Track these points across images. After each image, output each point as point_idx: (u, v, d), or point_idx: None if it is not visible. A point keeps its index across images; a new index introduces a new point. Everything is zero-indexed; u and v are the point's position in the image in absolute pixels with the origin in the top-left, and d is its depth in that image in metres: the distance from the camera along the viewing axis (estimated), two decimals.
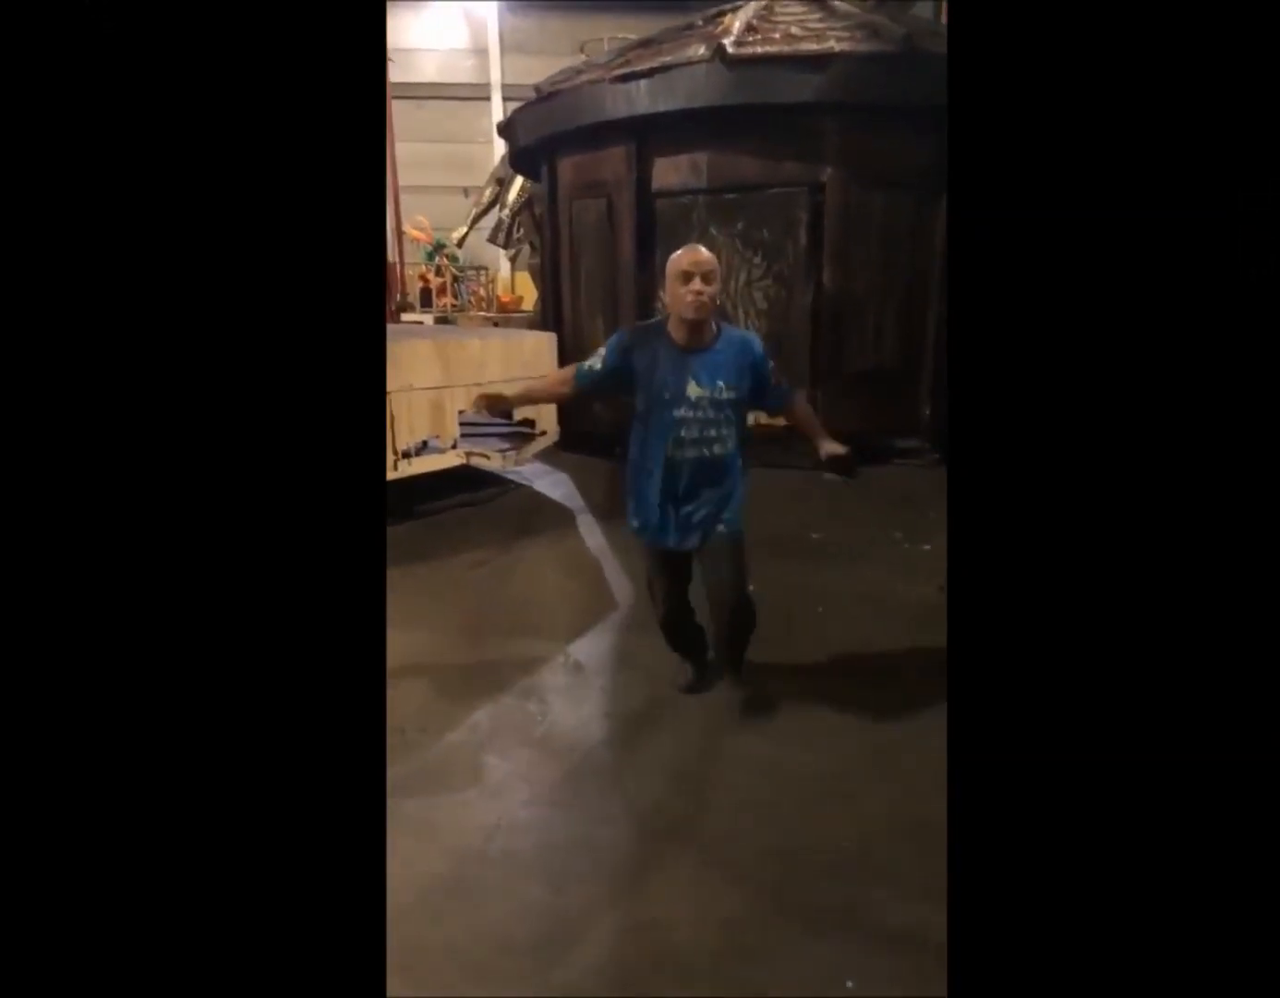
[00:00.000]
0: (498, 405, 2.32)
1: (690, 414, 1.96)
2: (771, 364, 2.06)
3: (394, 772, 1.99)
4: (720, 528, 2.07)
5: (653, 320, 2.11)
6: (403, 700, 2.34)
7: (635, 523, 2.13)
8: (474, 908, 1.56)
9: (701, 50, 4.86)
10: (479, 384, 4.08)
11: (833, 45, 4.66)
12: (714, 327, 2.00)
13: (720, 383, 1.96)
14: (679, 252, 1.97)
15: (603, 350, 2.06)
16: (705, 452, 1.99)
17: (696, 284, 1.90)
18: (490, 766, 2.06)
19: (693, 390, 1.95)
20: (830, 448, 2.11)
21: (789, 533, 3.96)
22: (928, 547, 3.65)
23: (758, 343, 2.07)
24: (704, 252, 1.95)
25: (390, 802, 1.82)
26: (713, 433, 1.98)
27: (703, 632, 2.32)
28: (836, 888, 1.59)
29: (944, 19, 7.44)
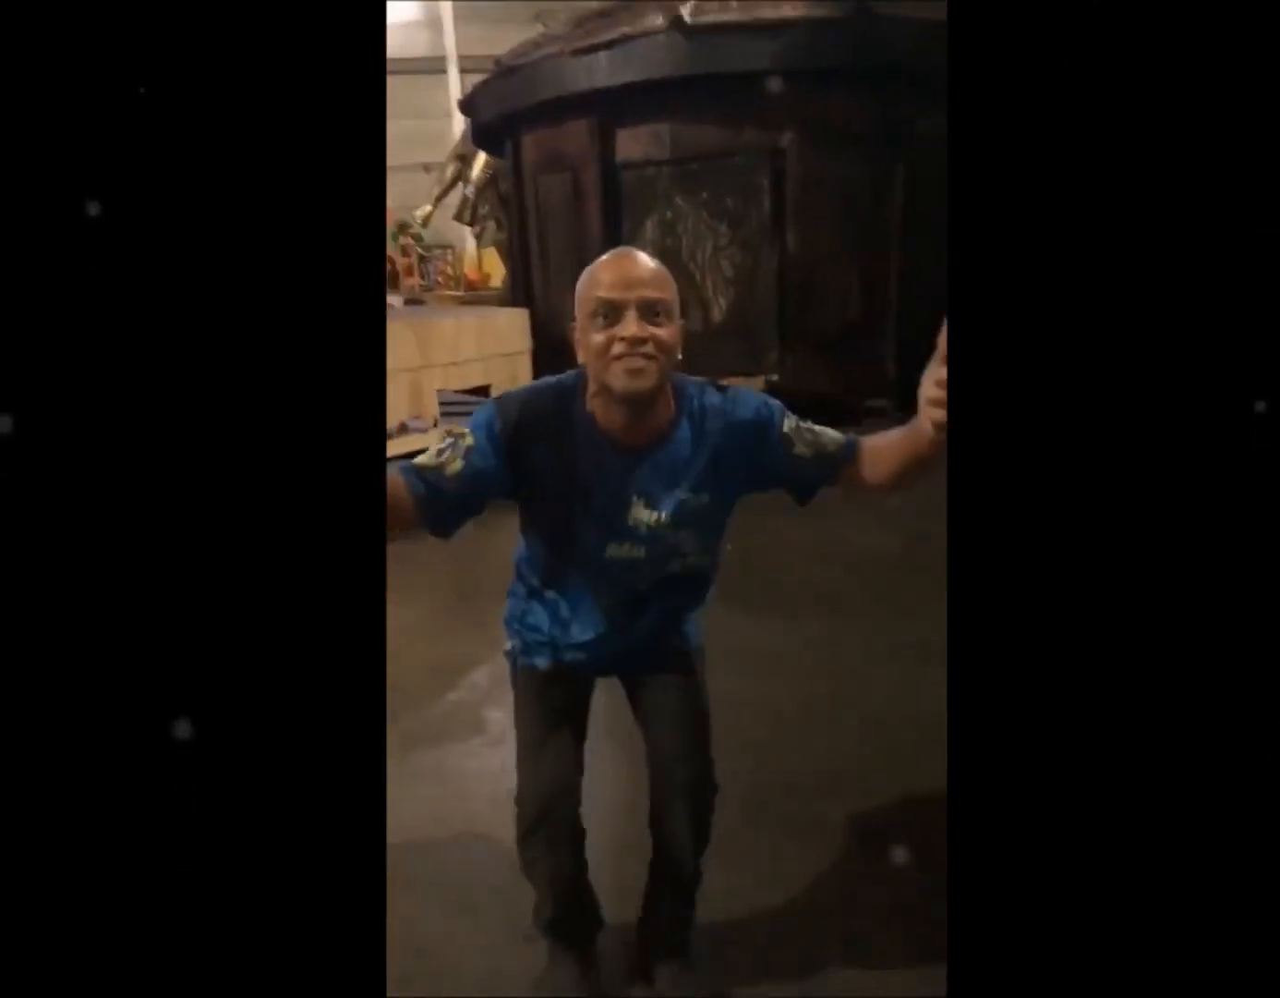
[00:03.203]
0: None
1: (635, 552, 1.11)
2: (795, 427, 1.13)
3: (402, 727, 2.14)
4: (682, 639, 1.25)
5: (558, 381, 1.12)
6: (406, 665, 2.49)
7: (531, 634, 1.22)
8: (486, 839, 1.72)
9: (659, 20, 4.90)
10: (455, 363, 4.17)
11: (788, 12, 4.72)
12: (670, 398, 1.09)
13: (685, 490, 1.09)
14: (597, 262, 1.05)
15: (467, 438, 1.06)
16: (661, 572, 1.15)
17: (631, 325, 0.98)
18: (491, 719, 2.21)
19: (639, 514, 1.09)
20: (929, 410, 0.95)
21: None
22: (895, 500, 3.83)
23: (769, 415, 1.13)
24: (643, 261, 1.03)
25: (402, 753, 1.98)
26: (676, 550, 1.13)
27: (590, 889, 1.32)
28: (821, 802, 1.77)
29: None
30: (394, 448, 4.01)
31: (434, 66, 15.07)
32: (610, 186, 5.42)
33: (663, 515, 1.08)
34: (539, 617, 1.20)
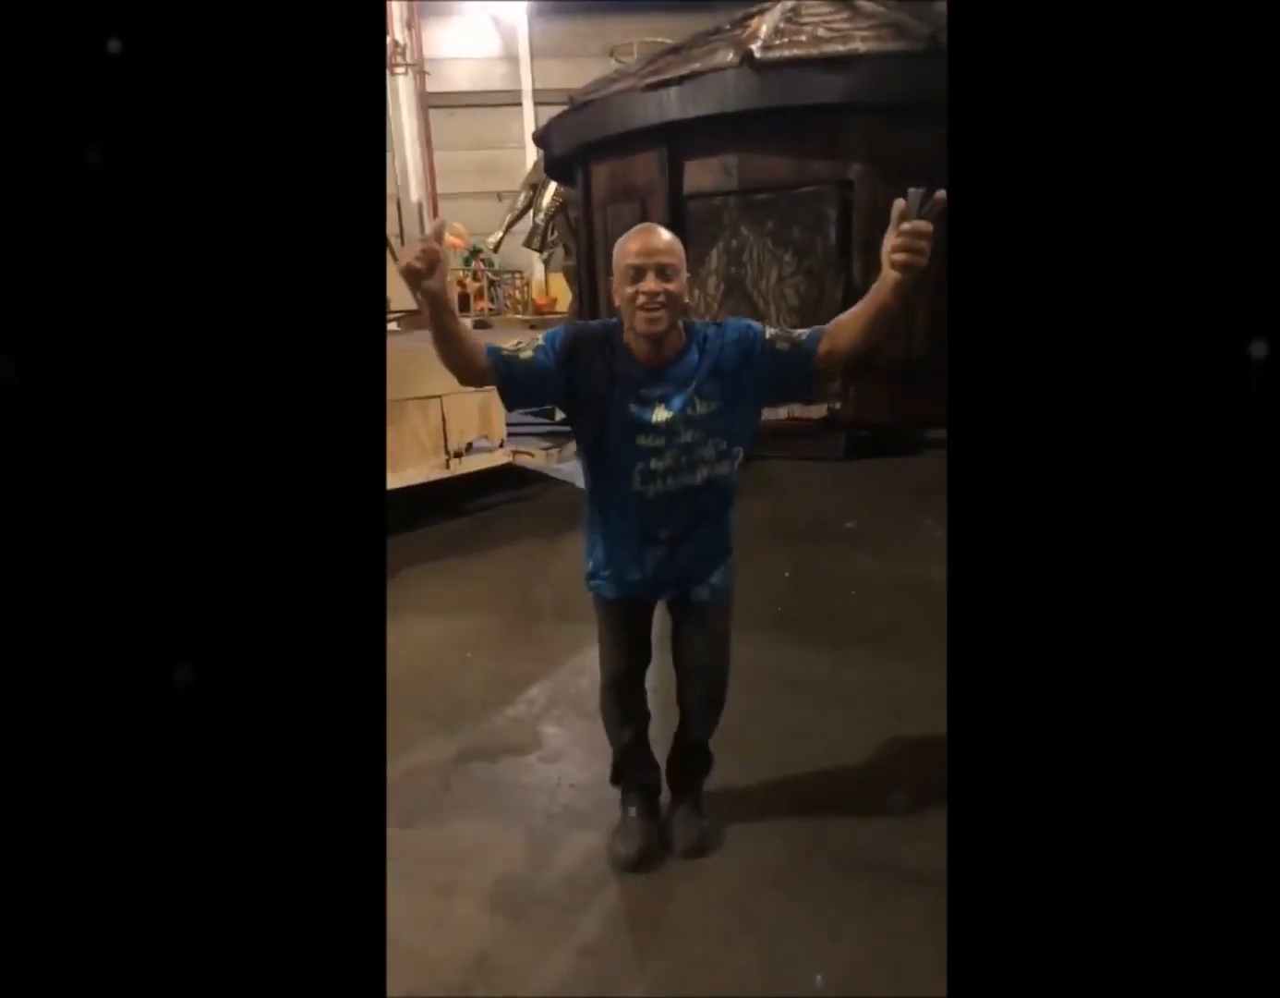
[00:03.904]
0: (430, 284, 1.26)
1: (658, 442, 1.45)
2: (775, 333, 1.48)
3: (460, 741, 2.22)
4: (713, 581, 1.58)
5: (604, 322, 1.52)
6: (467, 676, 2.57)
7: (599, 571, 1.59)
8: (541, 850, 1.77)
9: (730, 56, 5.01)
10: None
11: (858, 46, 4.77)
12: (681, 332, 1.46)
13: (695, 399, 1.44)
14: (628, 234, 1.42)
15: (539, 341, 1.46)
16: (687, 482, 1.48)
17: (650, 282, 1.35)
18: (548, 735, 2.26)
19: (658, 414, 1.44)
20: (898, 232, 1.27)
21: (823, 522, 4.11)
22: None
23: (748, 328, 1.48)
24: (661, 234, 1.40)
25: (460, 767, 2.05)
26: (693, 457, 1.47)
27: (651, 755, 1.79)
28: (862, 834, 1.75)
29: None
30: (465, 467, 4.16)
31: (510, 100, 15.65)
32: (677, 215, 5.53)
33: (674, 414, 1.45)
34: (600, 558, 1.60)
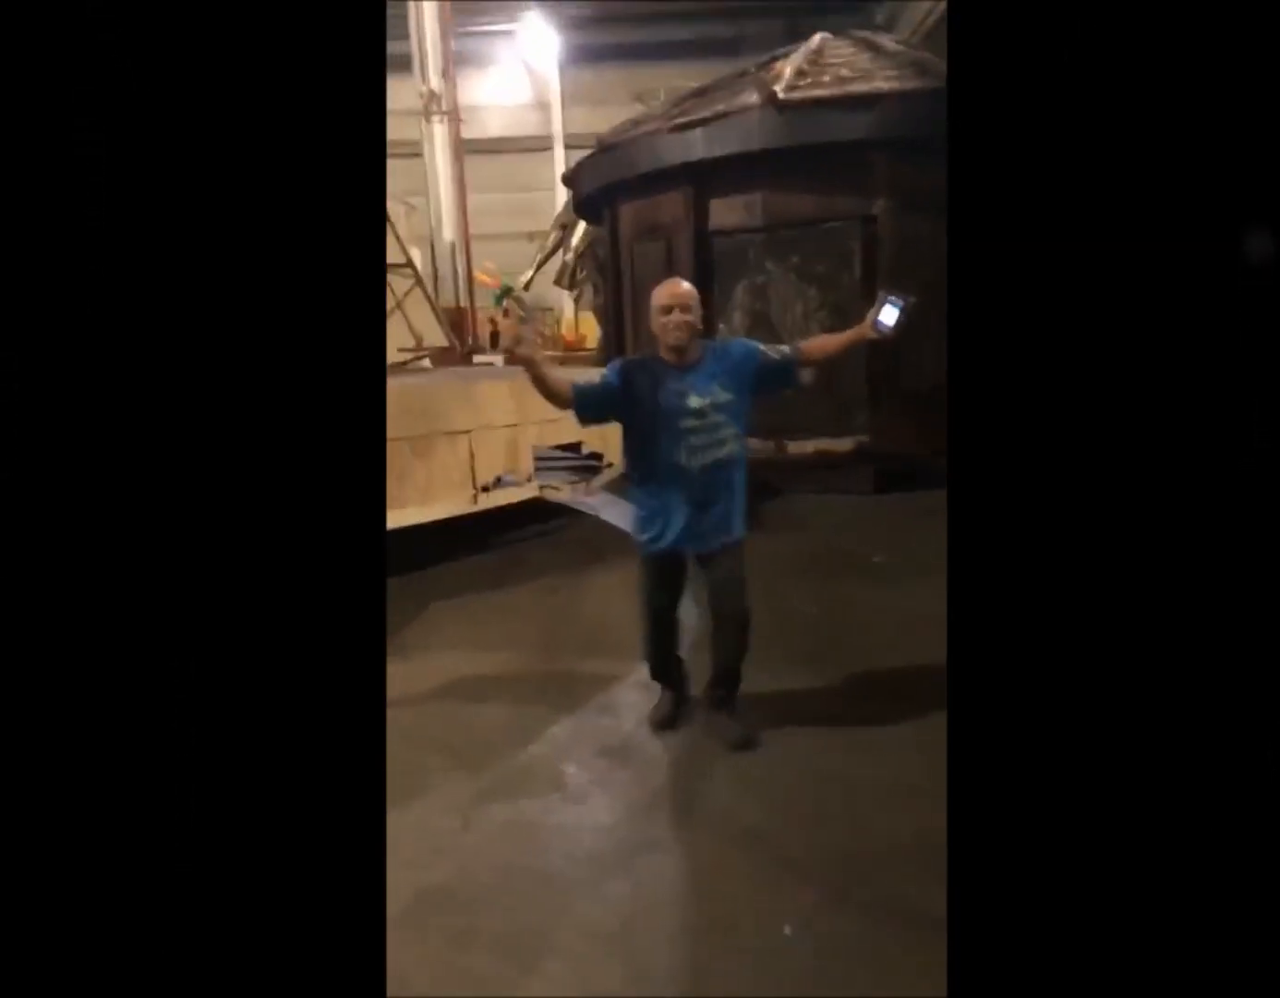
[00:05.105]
0: (524, 345, 2.02)
1: (696, 422, 2.14)
2: (763, 348, 2.25)
3: (480, 779, 2.19)
4: (734, 532, 2.25)
5: (644, 354, 2.31)
6: (489, 713, 2.55)
7: (650, 533, 2.23)
8: (557, 896, 1.72)
9: (754, 98, 5.10)
10: (551, 420, 4.34)
11: (880, 84, 4.82)
12: (699, 345, 2.21)
13: (716, 388, 2.16)
14: (660, 286, 2.21)
15: (604, 372, 2.23)
16: (716, 455, 2.16)
17: (676, 316, 2.14)
18: (570, 774, 2.22)
19: (693, 401, 2.14)
20: (869, 321, 2.11)
21: (851, 555, 4.04)
22: None
23: (751, 344, 2.28)
24: (683, 285, 2.20)
25: (480, 806, 2.03)
26: (719, 436, 2.17)
27: (681, 661, 2.46)
28: (896, 884, 1.68)
29: None
30: (491, 501, 4.19)
31: (541, 145, 16.10)
32: (703, 253, 5.59)
33: (705, 400, 2.16)
34: (650, 522, 2.24)
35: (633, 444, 2.25)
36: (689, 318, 2.14)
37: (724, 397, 2.16)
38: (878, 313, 2.07)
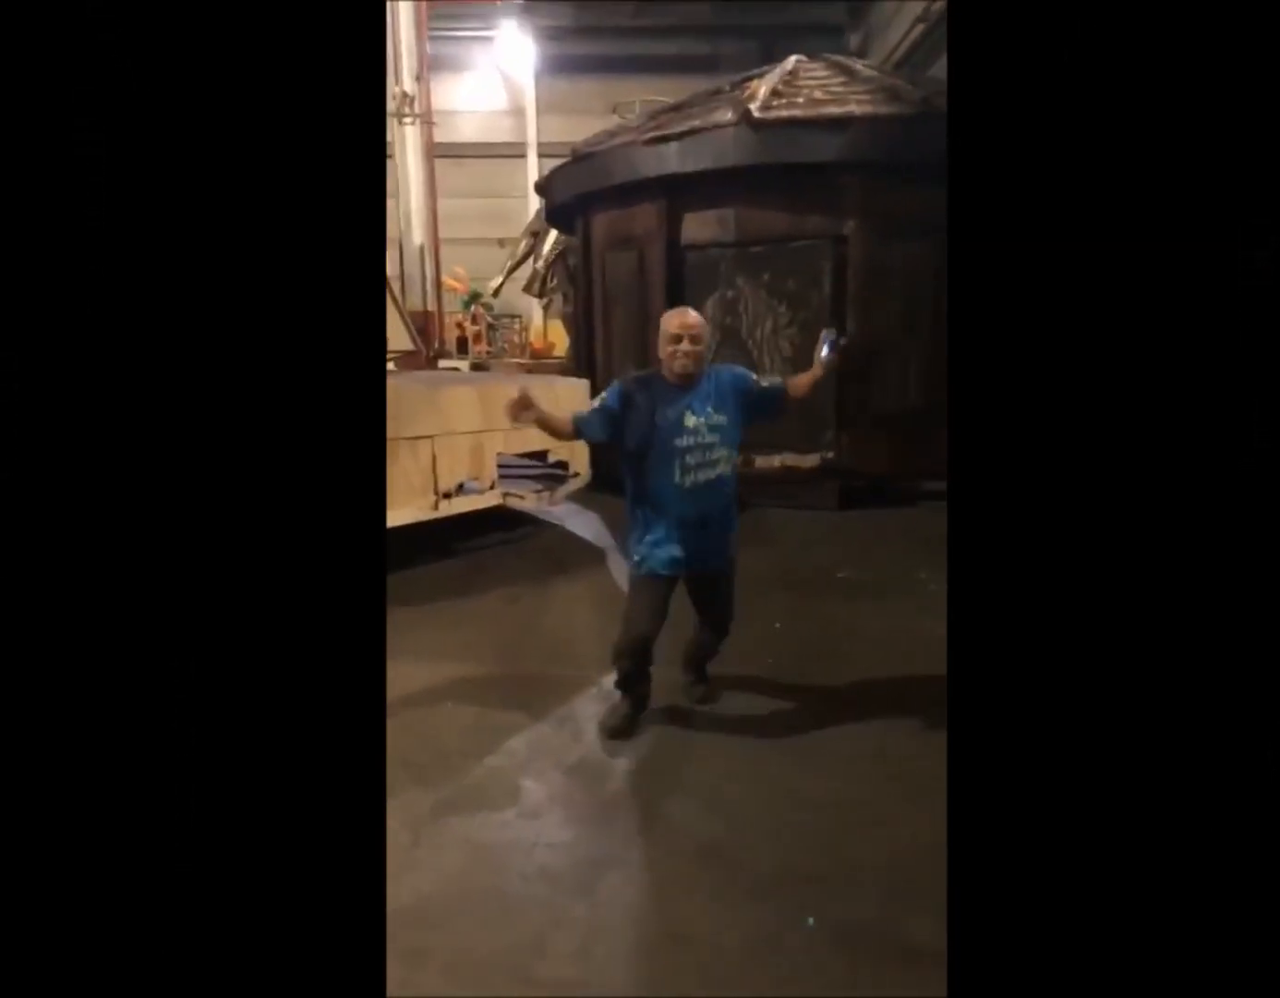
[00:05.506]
0: (528, 412, 2.20)
1: (691, 441, 2.22)
2: (755, 377, 2.38)
3: (439, 792, 2.12)
4: (727, 554, 2.36)
5: (647, 371, 2.40)
6: (446, 725, 2.48)
7: (648, 552, 2.27)
8: (512, 916, 1.67)
9: (729, 115, 5.14)
10: (515, 429, 4.29)
11: (854, 108, 4.90)
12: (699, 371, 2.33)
13: (711, 410, 2.24)
14: (670, 314, 2.29)
15: (604, 395, 2.31)
16: (708, 474, 2.24)
17: (685, 346, 2.21)
18: (527, 789, 2.17)
19: (689, 420, 2.22)
20: (816, 360, 2.38)
21: (817, 571, 4.06)
22: None
23: (742, 370, 2.40)
24: (692, 315, 2.27)
25: (434, 821, 1.96)
26: (712, 456, 2.25)
27: (649, 677, 2.46)
28: (865, 907, 1.66)
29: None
30: (453, 507, 4.11)
31: (515, 151, 16.05)
32: (674, 266, 5.61)
33: (700, 419, 2.24)
34: (648, 544, 2.28)
35: (630, 464, 2.30)
36: (699, 349, 2.22)
37: (718, 418, 2.24)
38: (819, 350, 2.39)
